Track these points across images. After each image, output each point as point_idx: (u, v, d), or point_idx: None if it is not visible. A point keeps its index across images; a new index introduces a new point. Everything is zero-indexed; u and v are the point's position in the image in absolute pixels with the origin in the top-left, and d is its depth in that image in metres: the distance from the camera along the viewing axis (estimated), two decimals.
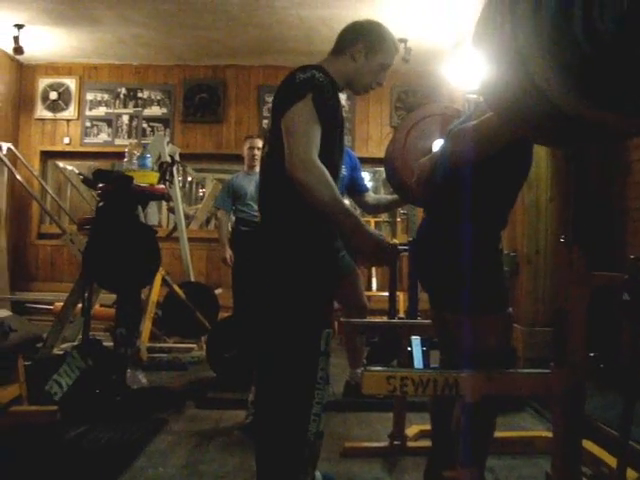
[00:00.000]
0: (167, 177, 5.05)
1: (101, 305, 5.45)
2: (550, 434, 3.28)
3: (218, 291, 5.84)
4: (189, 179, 9.51)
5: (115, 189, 3.97)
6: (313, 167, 1.89)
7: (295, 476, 2.04)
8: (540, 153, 4.22)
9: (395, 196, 2.97)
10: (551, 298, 4.22)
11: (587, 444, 2.44)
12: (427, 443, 3.18)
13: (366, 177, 7.19)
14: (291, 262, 2.06)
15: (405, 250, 4.34)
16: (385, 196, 3.76)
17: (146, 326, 4.70)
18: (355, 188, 3.66)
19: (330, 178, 1.92)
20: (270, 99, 7.21)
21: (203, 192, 9.71)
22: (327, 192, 1.91)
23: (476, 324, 2.06)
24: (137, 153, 4.45)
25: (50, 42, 6.64)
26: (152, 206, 6.42)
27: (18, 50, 6.04)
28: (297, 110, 1.94)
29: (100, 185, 4.04)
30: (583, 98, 1.13)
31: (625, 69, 1.07)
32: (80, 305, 4.30)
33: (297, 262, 2.06)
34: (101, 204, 4.10)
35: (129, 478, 2.70)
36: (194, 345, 5.46)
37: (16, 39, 6.02)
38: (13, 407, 2.45)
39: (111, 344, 4.16)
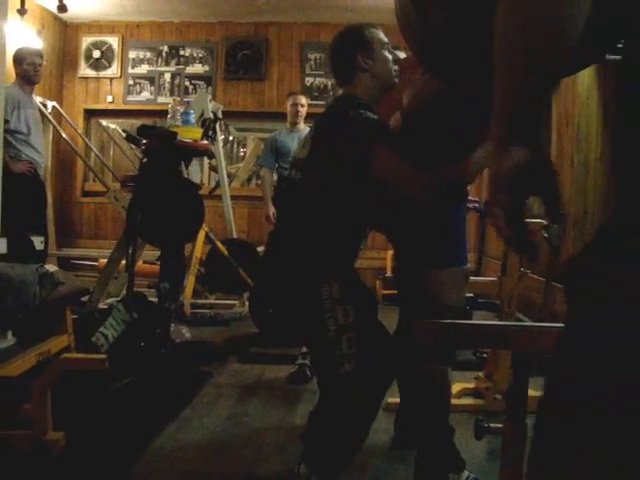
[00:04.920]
0: (210, 134, 5.04)
1: (144, 262, 5.52)
2: None
3: (260, 249, 5.85)
4: (230, 138, 9.49)
5: (159, 144, 3.98)
6: (429, 186, 1.95)
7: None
8: (591, 111, 4.09)
9: None
10: None
11: None
12: (469, 401, 3.19)
13: None
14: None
15: None
16: None
17: (189, 281, 4.74)
18: None
19: (443, 174, 1.96)
20: (313, 56, 7.18)
21: (244, 151, 9.68)
22: (456, 182, 2.03)
23: (437, 277, 2.15)
24: (181, 109, 4.45)
25: (93, 0, 6.63)
26: (194, 165, 6.45)
27: (62, 8, 6.03)
28: (380, 154, 1.96)
29: (144, 141, 4.05)
30: None
31: None
32: (124, 261, 4.36)
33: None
34: (145, 160, 4.11)
35: (176, 428, 2.76)
36: (236, 302, 5.50)
37: None
38: (64, 354, 2.50)
39: (155, 299, 4.22)
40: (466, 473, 2.22)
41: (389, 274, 6.36)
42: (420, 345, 1.96)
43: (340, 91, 2.31)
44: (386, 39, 2.19)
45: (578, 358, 0.77)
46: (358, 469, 2.34)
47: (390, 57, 2.16)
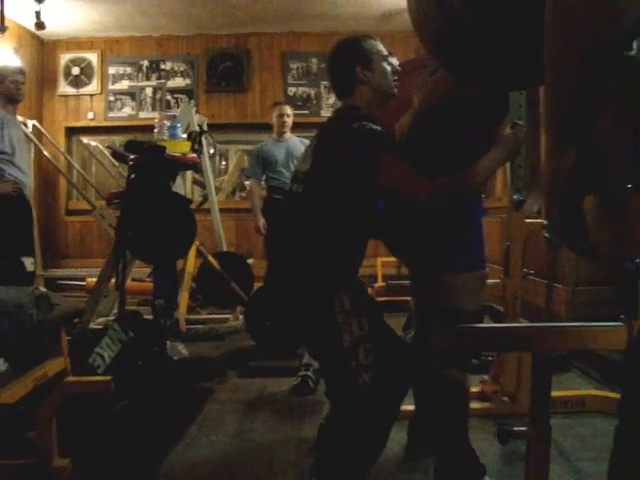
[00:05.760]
0: (196, 147, 4.99)
1: (133, 279, 5.44)
2: (601, 393, 3.25)
3: (249, 261, 5.81)
4: (212, 151, 9.38)
5: (148, 160, 3.92)
6: (439, 192, 1.92)
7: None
8: None
9: None
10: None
11: None
12: (477, 405, 3.15)
13: None
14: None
15: None
16: None
17: (183, 297, 4.68)
18: None
19: (453, 179, 1.94)
20: (295, 65, 7.15)
21: (224, 164, 9.60)
22: (468, 187, 2.01)
23: (455, 282, 2.12)
24: (167, 123, 4.40)
25: (70, 16, 6.57)
26: (177, 179, 6.37)
27: (40, 25, 5.92)
28: (388, 164, 1.94)
29: (132, 157, 3.99)
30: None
31: None
32: (113, 280, 4.28)
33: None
34: (133, 176, 4.04)
35: (184, 446, 2.70)
36: (229, 315, 5.44)
37: (37, 14, 5.91)
38: (68, 378, 2.43)
39: (148, 317, 4.15)
40: (486, 478, 2.18)
41: (380, 282, 6.34)
42: (440, 350, 1.93)
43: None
44: (385, 50, 2.17)
45: None
46: None
47: (389, 68, 2.14)
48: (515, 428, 1.89)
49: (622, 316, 1.89)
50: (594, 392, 3.27)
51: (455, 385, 2.18)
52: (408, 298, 4.07)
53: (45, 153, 6.26)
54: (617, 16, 0.74)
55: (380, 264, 6.44)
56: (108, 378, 2.37)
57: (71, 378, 2.43)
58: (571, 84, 0.79)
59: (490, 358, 3.33)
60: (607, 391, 3.36)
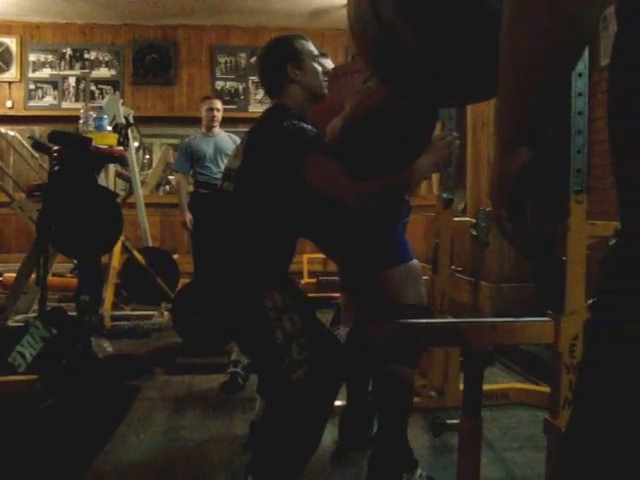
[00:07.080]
0: (121, 140, 4.87)
1: (53, 275, 5.26)
2: (523, 386, 3.38)
3: (174, 256, 5.72)
4: (135, 144, 9.15)
5: (73, 151, 3.80)
6: (365, 194, 1.94)
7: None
8: None
9: None
10: (516, 255, 4.27)
11: None
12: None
13: None
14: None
15: None
16: None
17: (108, 293, 4.56)
18: None
19: (380, 183, 1.95)
20: (223, 60, 7.09)
21: (148, 158, 9.39)
22: (395, 192, 2.06)
23: (389, 276, 2.13)
24: (93, 115, 4.28)
25: None
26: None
27: None
28: (316, 163, 1.95)
29: (55, 148, 3.86)
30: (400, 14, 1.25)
31: None
32: (33, 275, 4.13)
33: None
34: (56, 168, 3.91)
35: (113, 446, 2.64)
36: (154, 312, 5.34)
37: None
38: None
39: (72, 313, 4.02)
40: (419, 471, 2.23)
41: (306, 279, 6.38)
42: (381, 346, 1.95)
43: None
44: (316, 51, 2.19)
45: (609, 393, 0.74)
46: (306, 476, 2.30)
47: (320, 69, 2.16)
48: (448, 421, 1.94)
49: (549, 312, 1.97)
50: (517, 385, 3.39)
51: (400, 380, 2.17)
52: (337, 294, 4.12)
53: None
54: (575, 20, 0.76)
55: (306, 261, 6.47)
56: (33, 377, 2.29)
57: None
58: (527, 86, 0.81)
59: None
60: (528, 384, 3.51)
